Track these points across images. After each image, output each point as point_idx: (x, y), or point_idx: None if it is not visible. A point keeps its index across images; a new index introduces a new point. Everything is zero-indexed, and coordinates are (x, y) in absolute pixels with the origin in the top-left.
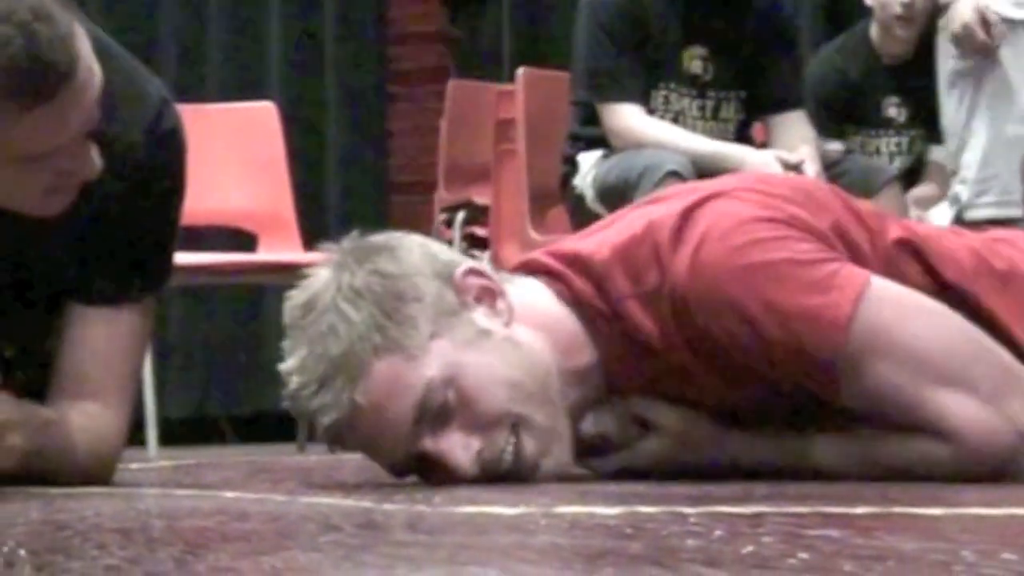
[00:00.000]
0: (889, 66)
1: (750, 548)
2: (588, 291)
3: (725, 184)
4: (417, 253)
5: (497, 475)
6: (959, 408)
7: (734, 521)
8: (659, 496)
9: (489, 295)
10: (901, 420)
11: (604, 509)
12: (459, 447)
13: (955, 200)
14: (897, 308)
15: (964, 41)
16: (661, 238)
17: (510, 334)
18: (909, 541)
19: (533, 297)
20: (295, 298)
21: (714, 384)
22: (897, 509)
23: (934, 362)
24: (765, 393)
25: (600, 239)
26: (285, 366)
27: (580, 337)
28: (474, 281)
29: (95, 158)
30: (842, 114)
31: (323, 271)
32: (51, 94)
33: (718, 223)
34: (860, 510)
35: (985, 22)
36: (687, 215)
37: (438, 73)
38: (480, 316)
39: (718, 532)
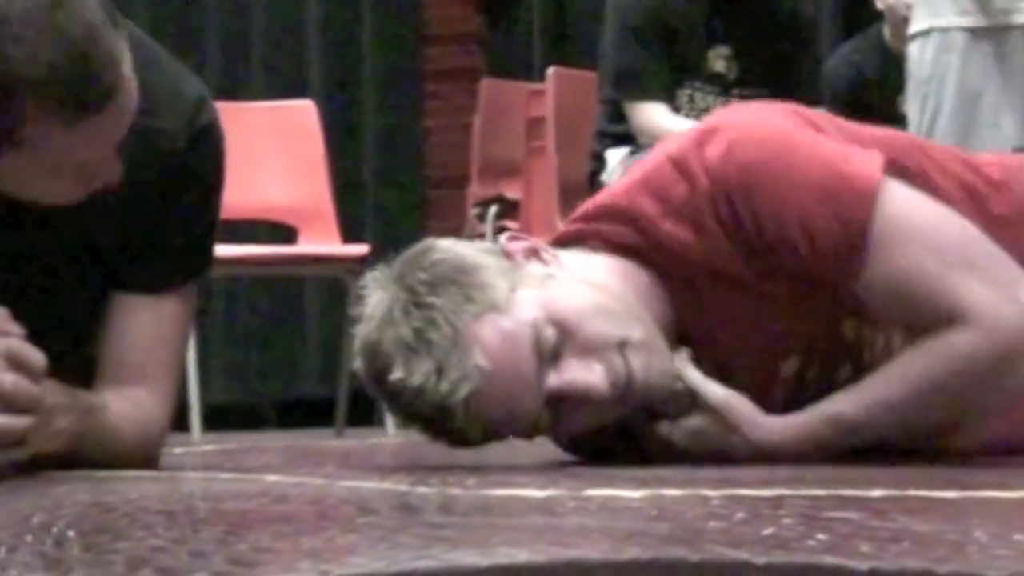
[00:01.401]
0: (902, 64)
1: (771, 530)
2: (622, 232)
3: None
4: (454, 243)
5: (620, 395)
6: (978, 290)
7: (755, 504)
8: (683, 480)
9: (534, 252)
10: (917, 308)
11: (630, 492)
12: (583, 370)
13: None
14: (915, 196)
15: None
16: (683, 155)
17: (571, 274)
18: (924, 523)
19: (577, 259)
20: (368, 321)
21: (753, 301)
22: (912, 492)
23: (955, 248)
24: (798, 307)
25: (615, 187)
26: (394, 379)
27: (632, 272)
28: (518, 244)
29: (118, 168)
30: (858, 110)
31: (379, 291)
32: (96, 110)
33: (741, 127)
34: (876, 493)
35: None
36: (705, 134)
37: (471, 73)
38: (537, 267)
39: (740, 514)
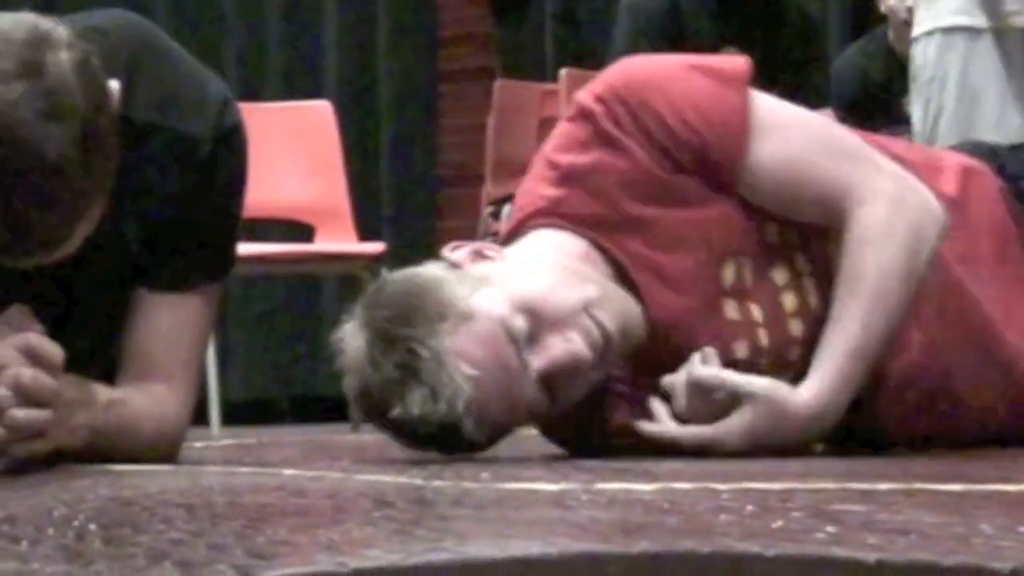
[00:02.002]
0: (907, 66)
1: (780, 522)
2: (560, 195)
3: None
4: (405, 271)
5: (602, 353)
6: (865, 170)
7: (764, 497)
8: (693, 473)
9: (478, 254)
10: (809, 193)
11: (641, 485)
12: (562, 343)
13: None
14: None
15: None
16: (574, 110)
17: (516, 262)
18: (930, 515)
19: (517, 247)
20: (351, 373)
21: (679, 213)
22: (919, 485)
23: (834, 137)
24: (712, 207)
25: (533, 166)
26: (394, 417)
27: (566, 241)
28: (461, 252)
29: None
30: (864, 112)
31: (352, 341)
32: (16, 257)
33: (613, 68)
34: (884, 486)
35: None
36: (584, 91)
37: (485, 74)
38: (485, 266)
39: (749, 507)
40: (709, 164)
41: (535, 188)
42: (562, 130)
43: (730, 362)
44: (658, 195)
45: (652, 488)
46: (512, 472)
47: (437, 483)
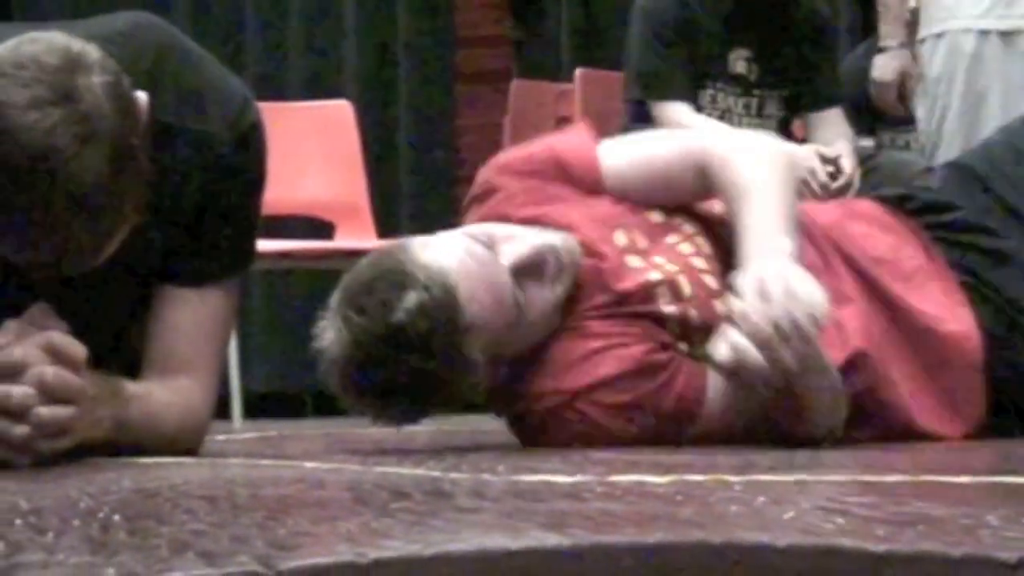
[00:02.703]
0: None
1: (791, 513)
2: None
3: None
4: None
5: (557, 264)
6: (715, 139)
7: (776, 488)
8: (706, 465)
9: None
10: (681, 175)
11: (654, 478)
12: (530, 237)
13: None
14: None
15: (877, 92)
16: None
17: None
18: (938, 507)
19: None
20: (333, 343)
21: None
22: (927, 477)
23: (670, 133)
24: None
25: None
26: (400, 322)
27: None
28: None
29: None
30: (872, 112)
31: (331, 333)
32: (48, 269)
33: None
34: (892, 478)
35: (903, 86)
36: None
37: (502, 74)
38: None
39: (761, 499)
40: (573, 177)
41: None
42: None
43: (659, 317)
44: (540, 199)
45: (665, 480)
46: (528, 465)
47: (454, 475)
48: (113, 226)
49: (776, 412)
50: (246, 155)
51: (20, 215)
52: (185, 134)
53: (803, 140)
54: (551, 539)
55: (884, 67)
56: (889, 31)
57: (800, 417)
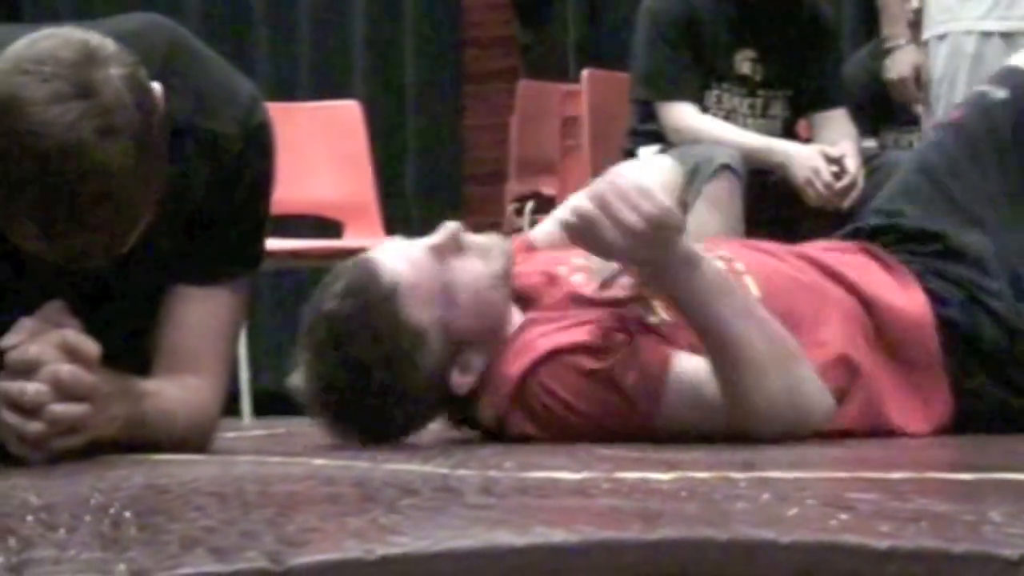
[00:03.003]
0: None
1: (795, 510)
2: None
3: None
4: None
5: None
6: None
7: (780, 485)
8: (711, 463)
9: None
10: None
11: (660, 475)
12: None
13: None
14: None
15: (895, 90)
16: None
17: None
18: (941, 503)
19: None
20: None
21: None
22: (930, 474)
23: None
24: None
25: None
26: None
27: None
28: None
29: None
30: (875, 113)
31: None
32: (82, 263)
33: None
34: (896, 475)
35: (919, 79)
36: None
37: (509, 74)
38: None
39: (766, 495)
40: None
41: None
42: None
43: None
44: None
45: (671, 477)
46: (535, 461)
47: (462, 472)
48: (136, 217)
49: (717, 365)
50: (255, 154)
51: (45, 209)
52: (195, 133)
53: (808, 140)
54: (558, 535)
55: (898, 63)
56: (894, 32)
57: (740, 370)
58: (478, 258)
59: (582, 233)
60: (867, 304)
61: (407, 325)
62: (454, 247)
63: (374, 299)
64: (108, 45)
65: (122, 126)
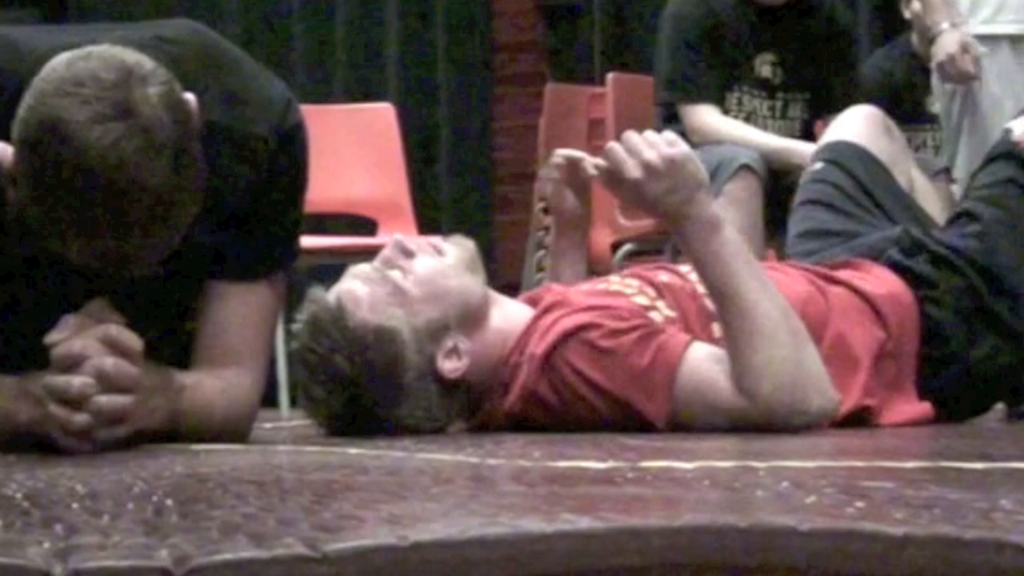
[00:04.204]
0: (929, 69)
1: (813, 498)
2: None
3: None
4: None
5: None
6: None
7: (799, 474)
8: (732, 452)
9: None
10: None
11: (683, 464)
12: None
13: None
14: None
15: (947, 69)
16: None
17: None
18: (954, 492)
19: None
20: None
21: None
22: (943, 463)
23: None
24: None
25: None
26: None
27: None
28: None
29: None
30: (890, 112)
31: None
32: (122, 272)
33: None
34: (910, 464)
35: (967, 52)
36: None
37: (537, 78)
38: None
39: (785, 484)
40: None
41: None
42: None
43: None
44: None
45: (693, 466)
46: (562, 451)
47: (492, 461)
48: (178, 226)
49: (729, 329)
50: (290, 155)
51: (90, 226)
52: (230, 135)
53: None
54: (584, 522)
55: (945, 44)
56: (936, 18)
57: (752, 334)
58: (429, 256)
59: (611, 173)
60: (863, 296)
61: (366, 328)
62: (400, 254)
63: (326, 321)
64: (145, 63)
65: (161, 142)
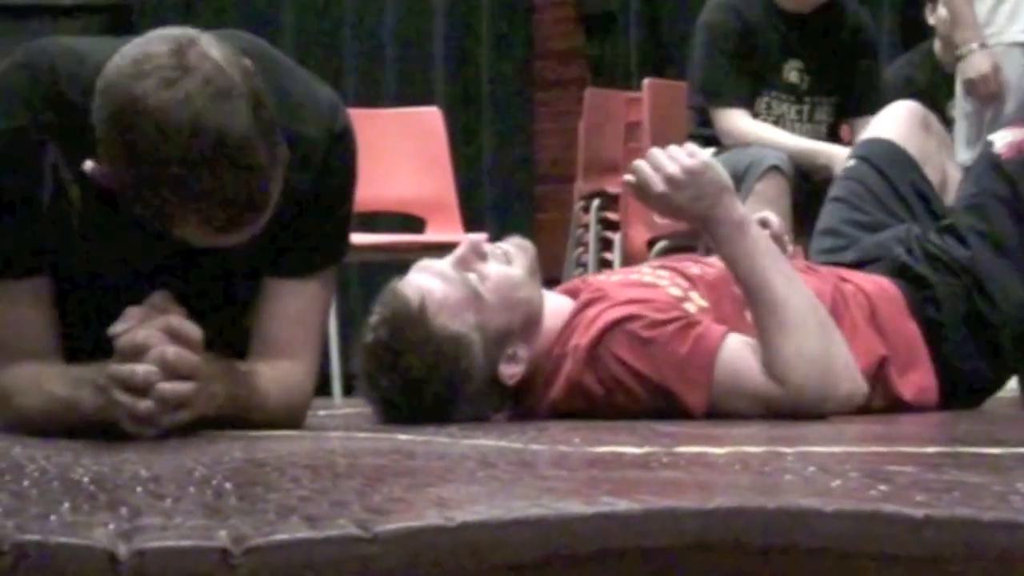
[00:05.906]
0: (950, 75)
1: (838, 482)
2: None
3: None
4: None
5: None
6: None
7: (824, 459)
8: (762, 438)
9: None
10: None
11: (714, 449)
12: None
13: None
14: None
15: (979, 87)
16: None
17: None
18: (973, 476)
19: None
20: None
21: None
22: (963, 448)
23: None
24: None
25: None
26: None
27: None
28: None
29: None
30: None
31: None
32: (245, 225)
33: None
34: (931, 449)
35: (997, 74)
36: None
37: (577, 83)
38: None
39: (811, 468)
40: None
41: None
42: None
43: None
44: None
45: (725, 451)
46: (601, 437)
47: (535, 447)
48: (270, 175)
49: (761, 322)
50: (340, 155)
51: (186, 184)
52: (286, 136)
53: (850, 143)
54: (622, 504)
55: (977, 63)
56: (966, 36)
57: (783, 326)
58: (500, 262)
59: (639, 187)
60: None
61: (444, 335)
62: (476, 257)
63: (405, 320)
64: (190, 31)
65: (228, 88)
